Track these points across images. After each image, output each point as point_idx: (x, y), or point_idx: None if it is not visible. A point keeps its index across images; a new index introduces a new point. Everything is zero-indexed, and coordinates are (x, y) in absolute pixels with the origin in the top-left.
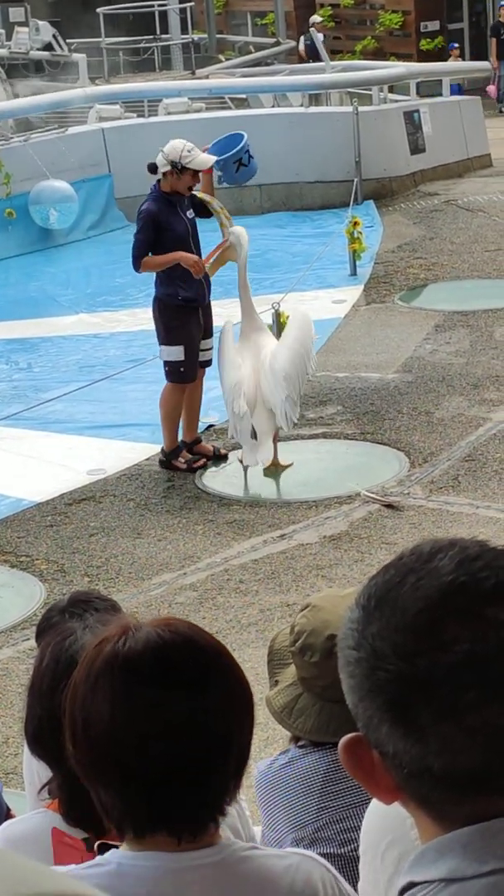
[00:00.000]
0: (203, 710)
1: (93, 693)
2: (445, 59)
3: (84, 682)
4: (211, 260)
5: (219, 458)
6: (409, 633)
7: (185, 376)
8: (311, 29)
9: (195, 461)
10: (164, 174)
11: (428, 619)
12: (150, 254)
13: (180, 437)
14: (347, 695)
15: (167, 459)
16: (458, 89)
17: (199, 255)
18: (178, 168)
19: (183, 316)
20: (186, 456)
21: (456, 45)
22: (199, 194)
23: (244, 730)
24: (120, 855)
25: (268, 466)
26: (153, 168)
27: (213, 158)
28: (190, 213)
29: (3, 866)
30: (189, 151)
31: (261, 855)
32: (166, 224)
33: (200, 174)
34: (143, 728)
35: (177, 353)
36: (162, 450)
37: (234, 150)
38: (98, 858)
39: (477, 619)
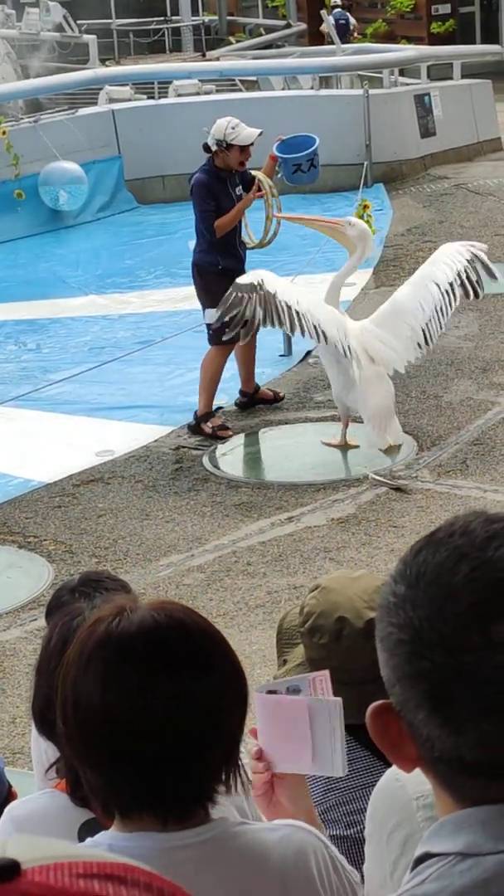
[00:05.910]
0: (192, 694)
1: (84, 672)
2: (456, 43)
3: (76, 662)
4: (321, 223)
5: (277, 400)
6: (458, 627)
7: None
8: (322, 11)
9: (221, 429)
10: (216, 153)
11: (480, 616)
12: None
13: (217, 401)
14: (384, 667)
15: (197, 423)
16: None
17: (242, 231)
18: (223, 146)
19: (222, 283)
20: (216, 422)
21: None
22: (256, 172)
23: (234, 716)
24: (110, 836)
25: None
26: (207, 148)
27: (256, 132)
28: (238, 190)
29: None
30: (233, 128)
31: (252, 829)
32: (217, 197)
33: (267, 157)
34: (132, 710)
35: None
36: (195, 413)
37: (297, 155)
38: (89, 840)
39: None
